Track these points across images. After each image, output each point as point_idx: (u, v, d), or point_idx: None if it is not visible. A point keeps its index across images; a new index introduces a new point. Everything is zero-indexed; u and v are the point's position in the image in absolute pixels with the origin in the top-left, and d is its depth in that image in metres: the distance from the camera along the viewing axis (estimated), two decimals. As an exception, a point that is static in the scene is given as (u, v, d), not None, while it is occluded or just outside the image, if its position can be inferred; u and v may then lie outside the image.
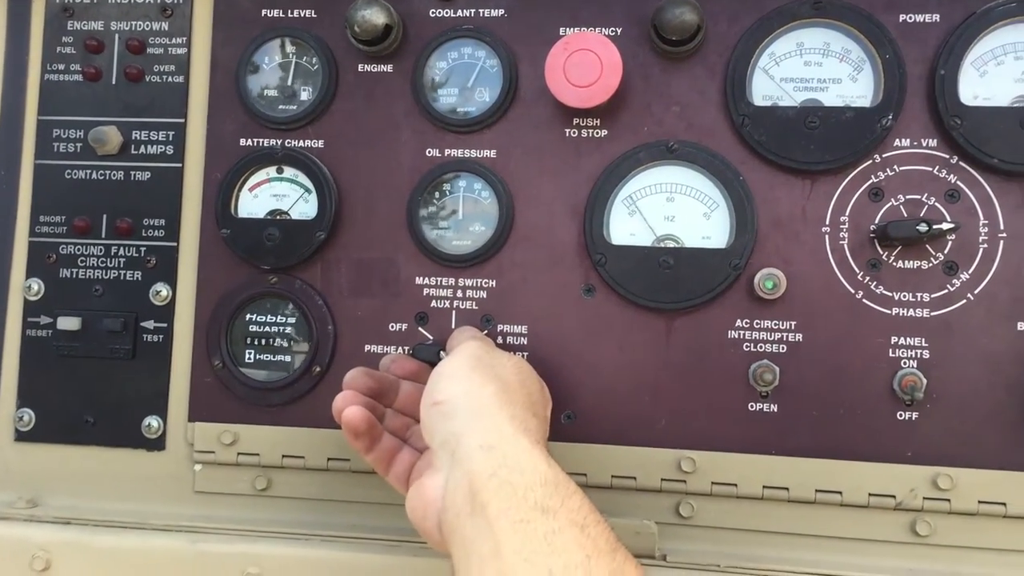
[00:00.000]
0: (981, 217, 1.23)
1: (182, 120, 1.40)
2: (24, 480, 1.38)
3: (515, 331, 1.31)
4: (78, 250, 1.40)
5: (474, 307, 1.32)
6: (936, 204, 1.23)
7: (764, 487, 1.24)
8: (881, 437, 1.23)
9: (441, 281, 1.33)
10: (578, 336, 1.29)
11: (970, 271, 1.22)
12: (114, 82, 1.41)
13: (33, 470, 1.39)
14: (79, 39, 1.42)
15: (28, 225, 1.41)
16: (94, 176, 1.40)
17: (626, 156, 1.29)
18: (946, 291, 1.23)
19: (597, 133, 1.31)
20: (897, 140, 1.25)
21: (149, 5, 1.41)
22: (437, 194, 1.34)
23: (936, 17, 1.24)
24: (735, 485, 1.25)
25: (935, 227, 1.19)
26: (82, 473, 1.38)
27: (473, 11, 1.35)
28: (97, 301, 1.39)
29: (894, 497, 1.22)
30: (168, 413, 1.37)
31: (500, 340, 1.31)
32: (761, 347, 1.26)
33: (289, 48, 1.38)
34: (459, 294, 1.32)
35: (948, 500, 1.21)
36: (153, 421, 1.36)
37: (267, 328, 1.35)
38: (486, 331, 1.31)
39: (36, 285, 1.39)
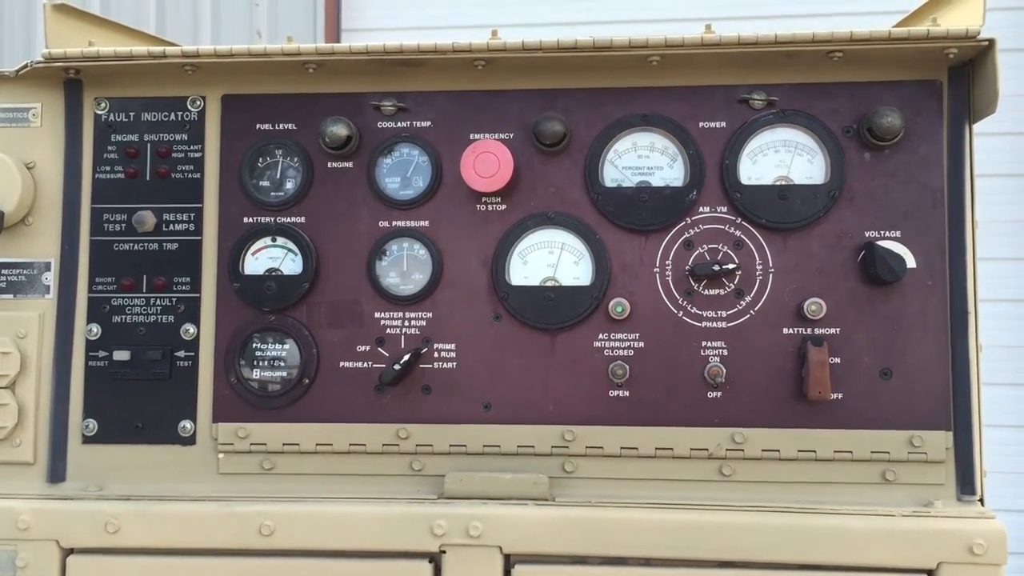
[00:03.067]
0: (757, 259, 1.81)
1: (200, 205, 1.92)
2: (91, 471, 1.88)
3: (447, 347, 1.86)
4: (125, 302, 1.91)
5: (417, 332, 1.86)
6: (728, 251, 1.82)
7: (621, 448, 1.80)
8: (697, 410, 1.80)
9: (393, 315, 1.87)
10: (491, 350, 1.85)
11: (751, 295, 1.81)
12: (148, 178, 1.93)
13: (98, 464, 1.89)
14: (120, 148, 1.93)
15: (87, 284, 1.91)
16: (136, 248, 1.92)
17: (519, 223, 1.85)
18: (736, 309, 1.81)
19: (499, 207, 1.87)
20: (701, 208, 1.83)
21: (172, 122, 1.94)
22: (387, 253, 1.88)
23: (723, 124, 1.83)
24: (601, 447, 1.81)
25: (724, 267, 1.78)
26: (135, 464, 1.88)
27: (408, 123, 1.90)
28: (141, 338, 1.90)
29: (707, 450, 1.79)
30: (197, 417, 1.88)
31: (436, 355, 1.85)
32: (616, 352, 1.83)
33: (277, 151, 1.91)
34: (406, 323, 1.87)
35: (742, 450, 1.78)
36: (187, 424, 1.88)
37: (269, 353, 1.88)
38: (425, 349, 1.85)
39: (95, 328, 1.90)
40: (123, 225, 1.92)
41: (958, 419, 1.75)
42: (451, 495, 1.78)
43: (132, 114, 1.94)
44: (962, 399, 1.75)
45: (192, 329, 1.89)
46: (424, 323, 1.86)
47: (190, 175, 1.93)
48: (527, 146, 1.86)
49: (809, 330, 1.79)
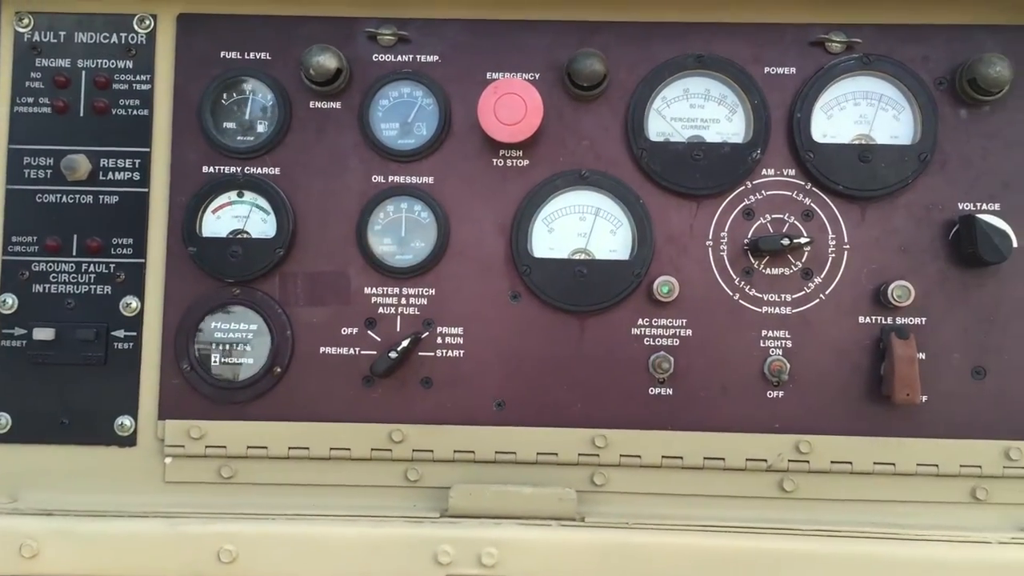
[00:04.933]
0: (830, 232, 1.52)
1: (147, 149, 1.55)
2: (2, 478, 1.51)
3: (452, 332, 1.52)
4: (50, 267, 1.54)
5: (416, 312, 1.53)
6: (795, 222, 1.52)
7: (663, 457, 1.50)
8: (755, 412, 1.51)
9: (387, 291, 1.53)
10: (506, 336, 1.52)
11: (822, 276, 1.52)
12: (82, 114, 1.55)
13: (10, 469, 1.51)
14: (47, 75, 1.55)
15: (1, 245, 1.53)
16: (64, 200, 1.54)
17: (545, 182, 1.53)
18: (804, 292, 1.52)
19: (520, 163, 1.54)
20: (764, 170, 1.53)
21: (114, 45, 1.56)
22: (382, 215, 1.54)
23: (793, 70, 1.53)
24: (639, 456, 1.50)
25: (795, 241, 1.48)
26: (59, 470, 1.52)
27: (411, 56, 1.56)
28: (69, 313, 1.53)
29: (765, 461, 1.49)
30: (139, 413, 1.52)
31: (439, 341, 1.52)
32: (658, 341, 1.52)
33: (246, 86, 1.55)
34: (403, 301, 1.53)
35: (808, 462, 1.49)
36: (125, 420, 1.52)
37: (231, 334, 1.52)
38: (427, 333, 1.51)
39: (10, 299, 1.53)
40: (49, 171, 1.55)
41: (1063, 429, 1.49)
42: (457, 513, 1.46)
43: (63, 34, 1.57)
44: None
45: (134, 303, 1.53)
46: (425, 301, 1.53)
47: (136, 112, 1.56)
48: (556, 89, 1.54)
49: (890, 319, 1.51)
